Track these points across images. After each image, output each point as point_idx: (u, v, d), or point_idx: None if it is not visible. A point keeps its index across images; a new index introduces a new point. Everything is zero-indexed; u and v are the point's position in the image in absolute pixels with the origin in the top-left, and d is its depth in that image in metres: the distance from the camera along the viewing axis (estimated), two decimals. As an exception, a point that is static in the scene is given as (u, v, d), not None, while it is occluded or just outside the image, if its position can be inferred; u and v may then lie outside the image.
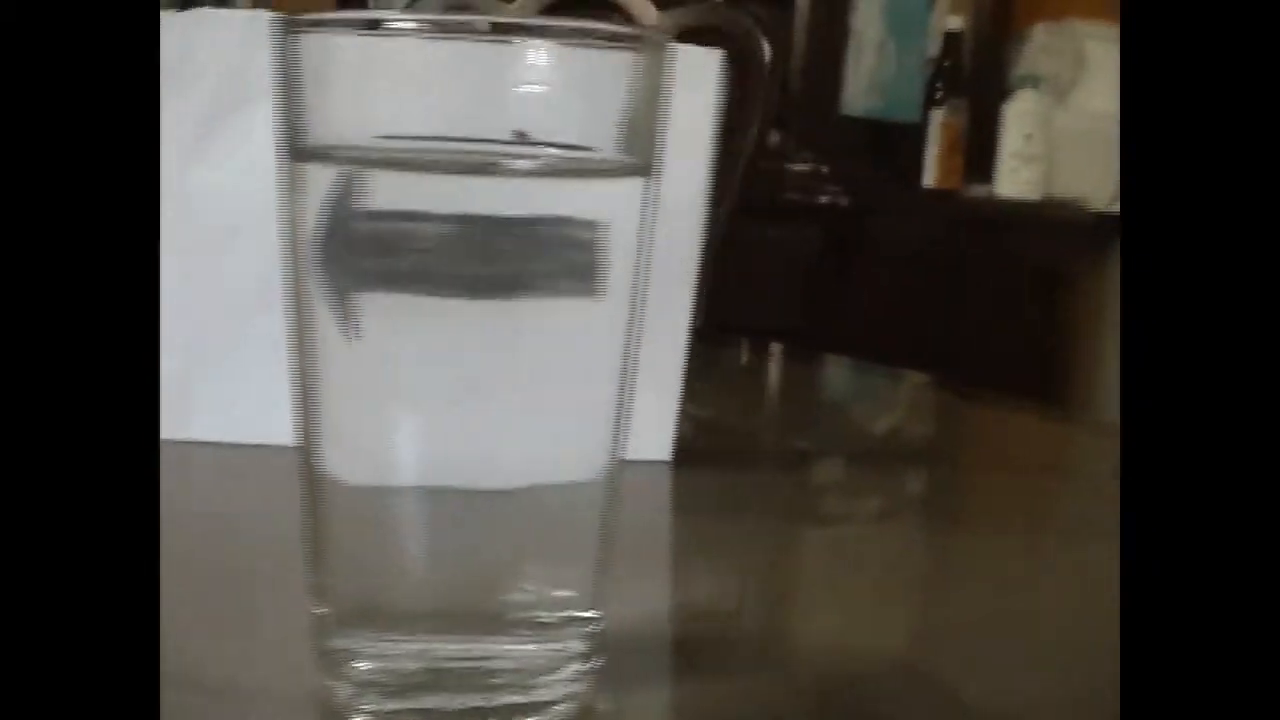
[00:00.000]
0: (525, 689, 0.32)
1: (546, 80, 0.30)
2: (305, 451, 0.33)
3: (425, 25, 0.30)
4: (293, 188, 0.31)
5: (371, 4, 2.55)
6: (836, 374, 1.06)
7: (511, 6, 1.14)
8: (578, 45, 0.30)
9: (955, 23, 2.34)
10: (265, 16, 0.55)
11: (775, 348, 1.05)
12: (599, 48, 0.31)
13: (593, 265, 0.31)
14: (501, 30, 0.30)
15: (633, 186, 0.32)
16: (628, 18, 1.06)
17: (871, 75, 2.35)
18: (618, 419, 0.33)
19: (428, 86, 0.31)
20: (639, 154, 0.32)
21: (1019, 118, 2.27)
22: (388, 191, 0.30)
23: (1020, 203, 2.24)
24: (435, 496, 0.32)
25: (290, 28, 0.30)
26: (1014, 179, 2.26)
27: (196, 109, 0.55)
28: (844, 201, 2.08)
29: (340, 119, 0.31)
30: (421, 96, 0.31)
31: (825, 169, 2.13)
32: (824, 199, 2.08)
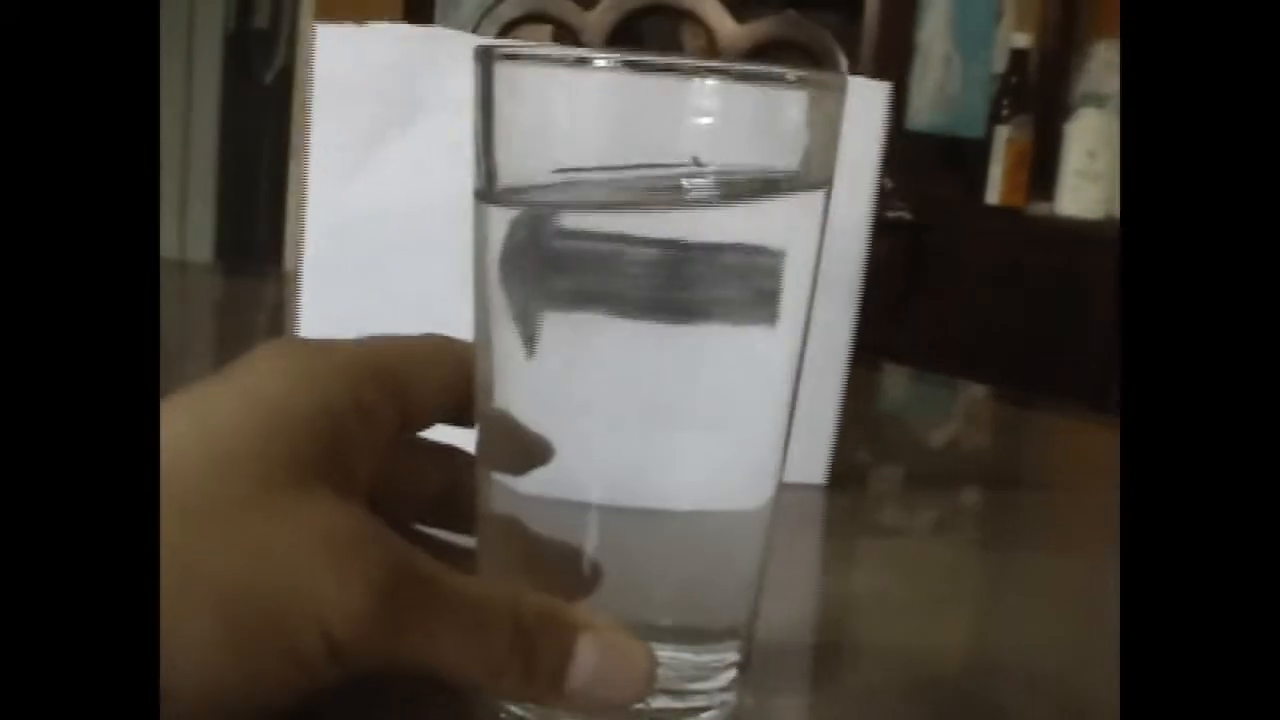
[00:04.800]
0: (679, 694, 0.33)
1: (725, 117, 0.31)
2: (481, 460, 0.34)
3: (618, 63, 0.30)
4: (481, 208, 0.33)
5: (439, 14, 2.57)
6: (897, 383, 1.06)
7: (592, 14, 1.16)
8: (756, 85, 0.31)
9: (1022, 40, 2.33)
10: (441, 33, 0.56)
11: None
12: (778, 87, 0.32)
13: (773, 293, 0.32)
14: (684, 71, 0.31)
15: (810, 211, 0.33)
16: (706, 30, 1.08)
17: (937, 90, 2.35)
18: (785, 445, 0.34)
19: (611, 121, 0.31)
20: (814, 182, 0.33)
21: (1082, 135, 2.26)
22: (573, 215, 0.31)
23: (1082, 221, 2.23)
24: (603, 512, 0.32)
25: (488, 57, 0.32)
26: (1076, 197, 2.25)
27: (368, 120, 0.56)
28: (908, 216, 2.08)
29: (524, 150, 0.32)
30: (604, 131, 0.31)
31: (890, 184, 2.14)
32: (889, 214, 2.08)
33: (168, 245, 2.33)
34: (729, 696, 0.34)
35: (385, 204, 0.56)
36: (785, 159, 0.32)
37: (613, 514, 0.32)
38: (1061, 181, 2.27)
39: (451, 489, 0.36)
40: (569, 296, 0.32)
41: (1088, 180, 2.25)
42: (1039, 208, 2.28)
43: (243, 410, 0.30)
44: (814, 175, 0.33)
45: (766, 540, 0.34)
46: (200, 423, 0.30)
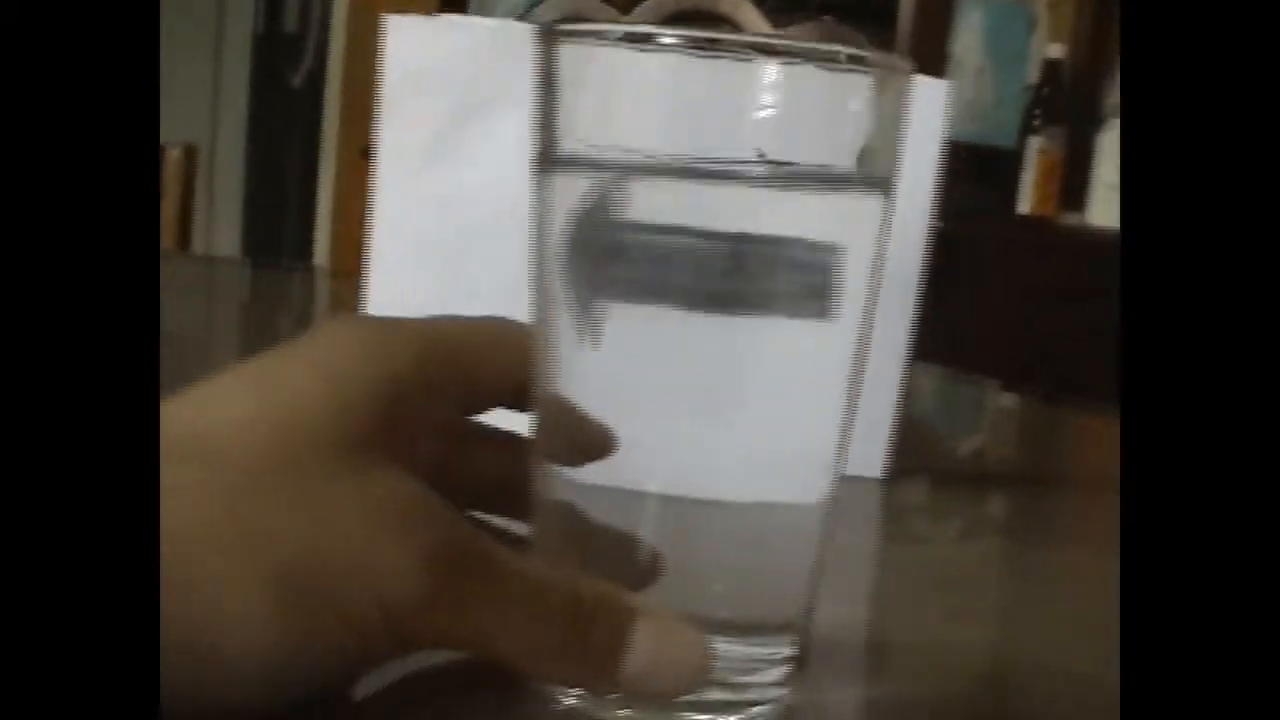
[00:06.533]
0: (732, 687, 0.32)
1: (789, 101, 0.31)
2: (538, 446, 0.34)
3: (681, 41, 0.31)
4: (541, 194, 0.33)
5: (471, 5, 2.57)
6: (927, 383, 1.07)
7: (628, 18, 1.17)
8: (821, 67, 0.31)
9: (1056, 50, 2.33)
10: (514, 26, 0.57)
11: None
12: (841, 70, 0.31)
13: (828, 287, 0.32)
14: (746, 49, 0.30)
15: (870, 207, 0.33)
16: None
17: (970, 100, 2.36)
18: (842, 441, 0.34)
19: (674, 103, 0.32)
20: (877, 176, 0.33)
21: (1113, 148, 2.25)
22: (632, 202, 0.31)
23: (1112, 231, 2.23)
24: (659, 502, 0.32)
25: (549, 36, 0.32)
26: (1106, 209, 2.25)
27: (439, 112, 0.57)
28: (939, 224, 2.09)
29: (589, 129, 0.32)
30: (667, 112, 0.32)
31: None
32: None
33: (197, 242, 2.35)
34: (783, 691, 0.34)
35: (455, 196, 0.57)
36: (848, 146, 0.32)
37: (670, 504, 0.32)
38: (1093, 193, 2.27)
39: (512, 476, 0.35)
40: (630, 287, 0.31)
41: (1116, 192, 2.24)
42: (1070, 218, 2.28)
43: (312, 381, 0.30)
44: (877, 168, 0.33)
45: (824, 535, 0.34)
46: (268, 392, 0.30)
